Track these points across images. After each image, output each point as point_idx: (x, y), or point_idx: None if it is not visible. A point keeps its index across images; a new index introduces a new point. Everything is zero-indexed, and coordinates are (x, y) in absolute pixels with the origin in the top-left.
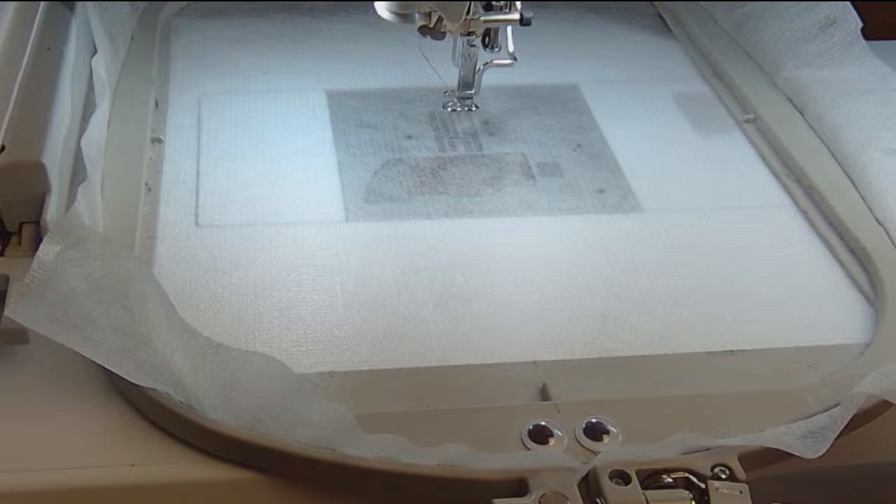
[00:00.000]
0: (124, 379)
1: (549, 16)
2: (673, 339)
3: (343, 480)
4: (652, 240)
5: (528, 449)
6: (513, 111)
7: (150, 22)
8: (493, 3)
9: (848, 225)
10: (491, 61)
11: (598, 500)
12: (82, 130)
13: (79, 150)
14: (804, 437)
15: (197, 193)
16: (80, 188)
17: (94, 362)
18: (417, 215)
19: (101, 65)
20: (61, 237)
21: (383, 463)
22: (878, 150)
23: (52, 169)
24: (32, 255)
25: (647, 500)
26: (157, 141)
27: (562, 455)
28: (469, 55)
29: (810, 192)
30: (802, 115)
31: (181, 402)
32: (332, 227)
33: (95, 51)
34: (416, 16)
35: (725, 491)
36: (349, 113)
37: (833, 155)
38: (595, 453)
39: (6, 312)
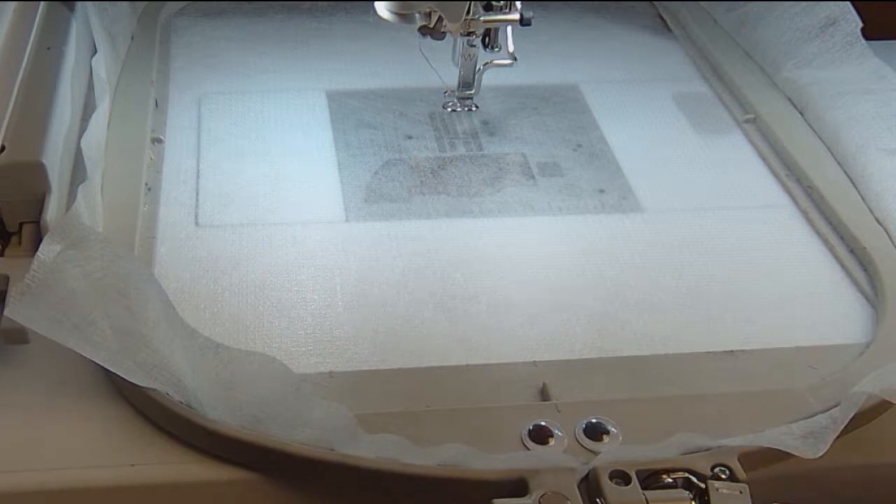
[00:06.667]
0: (124, 379)
1: (549, 16)
2: (673, 339)
3: (343, 480)
4: (652, 240)
5: (528, 449)
6: (513, 111)
7: (150, 22)
8: (493, 3)
9: (848, 225)
10: (491, 61)
11: (598, 500)
12: (82, 130)
13: (79, 150)
14: (804, 437)
15: (197, 193)
16: (80, 188)
17: (94, 362)
18: (417, 215)
19: (101, 65)
20: (61, 237)
21: (383, 463)
22: (878, 150)
23: (52, 169)
24: (32, 255)
25: (647, 500)
26: (157, 141)
27: (562, 455)
28: (469, 55)
29: (810, 192)
30: (802, 115)
31: (181, 402)
32: (332, 227)
33: (95, 51)
34: (416, 16)
35: (725, 491)
36: (349, 113)
37: (833, 155)
38: (595, 453)
39: (6, 312)
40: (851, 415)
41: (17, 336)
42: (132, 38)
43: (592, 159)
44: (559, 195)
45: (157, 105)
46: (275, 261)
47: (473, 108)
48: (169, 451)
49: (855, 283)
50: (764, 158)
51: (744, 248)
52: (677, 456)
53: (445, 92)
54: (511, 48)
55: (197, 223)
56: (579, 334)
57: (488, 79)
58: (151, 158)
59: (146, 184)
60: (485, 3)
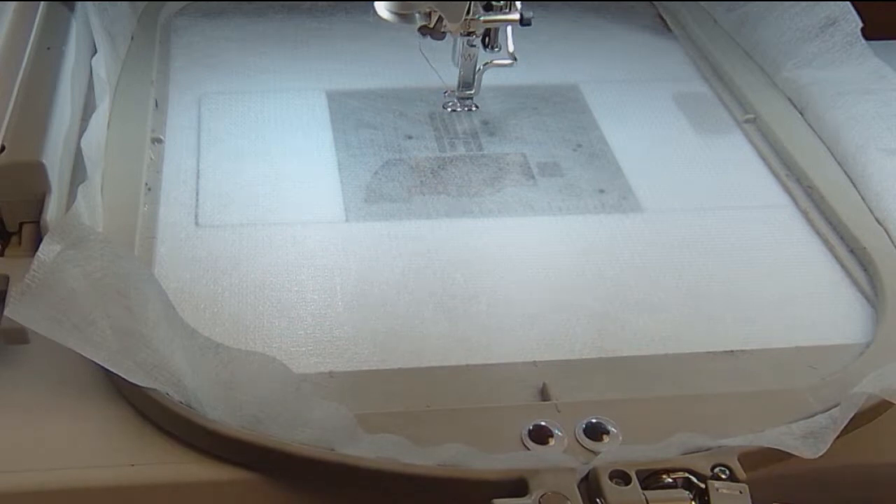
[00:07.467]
0: (124, 379)
1: (549, 16)
2: (673, 339)
3: (343, 480)
4: (652, 240)
5: (528, 449)
6: (513, 111)
7: (150, 22)
8: (493, 3)
9: (848, 225)
10: (491, 61)
11: (597, 500)
12: (82, 130)
13: (79, 150)
14: (804, 437)
15: (197, 193)
16: (80, 188)
17: (94, 362)
18: (417, 215)
19: (101, 65)
20: (61, 237)
21: (383, 463)
22: (878, 150)
23: (52, 169)
24: (32, 255)
25: (647, 500)
26: (157, 141)
27: (562, 455)
28: (469, 55)
29: (810, 192)
30: (802, 115)
31: (181, 402)
32: (332, 227)
33: (95, 51)
34: (416, 16)
35: (725, 491)
36: (349, 113)
37: (833, 155)
38: (595, 453)
39: (6, 312)
40: (851, 415)
41: (17, 336)
42: (132, 38)
43: (592, 159)
44: (559, 195)
45: (157, 105)
46: (275, 261)
47: (473, 108)
48: (169, 451)
49: (855, 283)
50: (764, 158)
51: (744, 248)
52: (677, 456)
53: (445, 92)
54: (511, 48)
55: (197, 223)
56: (579, 334)
57: (488, 79)
58: (151, 158)
59: (146, 184)
60: (485, 3)
